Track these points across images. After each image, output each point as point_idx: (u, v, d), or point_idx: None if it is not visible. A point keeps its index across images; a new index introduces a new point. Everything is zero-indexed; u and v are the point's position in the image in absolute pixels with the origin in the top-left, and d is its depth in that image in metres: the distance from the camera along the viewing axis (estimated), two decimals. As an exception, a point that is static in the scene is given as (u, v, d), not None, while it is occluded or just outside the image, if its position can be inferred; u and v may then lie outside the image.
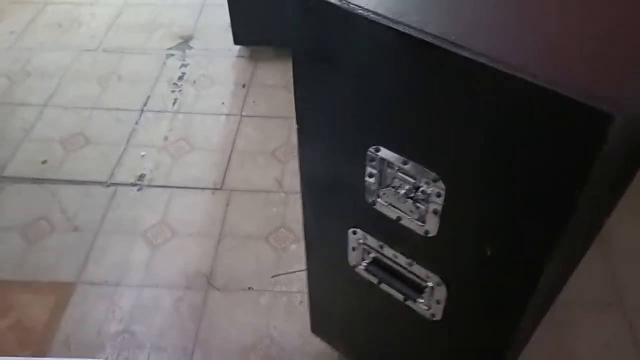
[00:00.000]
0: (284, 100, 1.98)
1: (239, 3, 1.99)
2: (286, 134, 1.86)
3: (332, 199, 0.89)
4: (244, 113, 1.93)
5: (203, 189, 1.68)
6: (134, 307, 1.40)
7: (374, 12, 0.61)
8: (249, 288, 1.44)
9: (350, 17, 0.62)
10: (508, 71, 0.54)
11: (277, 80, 2.06)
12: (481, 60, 0.55)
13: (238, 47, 2.18)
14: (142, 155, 1.78)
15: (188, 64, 2.13)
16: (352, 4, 0.62)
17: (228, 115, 1.93)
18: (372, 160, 0.74)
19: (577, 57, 0.57)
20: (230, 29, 2.21)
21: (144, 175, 1.72)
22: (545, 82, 0.52)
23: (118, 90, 2.02)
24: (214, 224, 1.59)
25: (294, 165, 1.75)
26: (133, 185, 1.69)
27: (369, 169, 0.76)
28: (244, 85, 2.04)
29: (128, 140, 1.83)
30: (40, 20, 2.35)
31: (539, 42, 0.59)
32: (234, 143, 1.83)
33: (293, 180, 1.71)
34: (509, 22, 0.62)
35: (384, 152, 0.72)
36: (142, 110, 1.94)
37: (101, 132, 1.86)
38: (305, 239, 1.02)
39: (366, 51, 0.64)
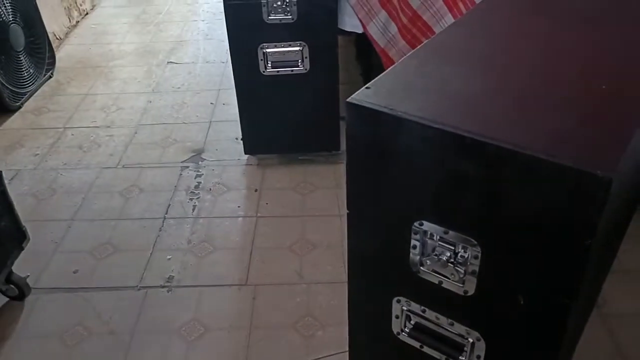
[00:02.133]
0: (293, 201, 2.17)
1: (249, 118, 2.24)
2: (299, 230, 2.03)
3: (377, 273, 1.03)
4: (259, 214, 2.10)
5: (230, 285, 1.80)
6: (175, 402, 1.46)
7: (417, 116, 0.81)
8: (284, 376, 1.52)
9: (399, 121, 0.82)
10: (529, 153, 0.73)
11: (285, 184, 2.26)
12: (508, 147, 0.74)
13: (247, 156, 2.40)
14: (169, 259, 1.91)
15: (202, 173, 2.32)
16: (399, 111, 0.82)
17: (244, 217, 2.09)
18: (416, 233, 0.91)
19: (571, 136, 0.77)
20: (236, 141, 2.46)
21: (172, 277, 1.84)
22: (559, 159, 0.71)
23: (140, 201, 2.18)
24: (243, 317, 1.69)
25: (310, 258, 1.90)
26: (163, 287, 1.80)
27: (413, 242, 0.92)
28: (256, 190, 2.22)
29: (154, 246, 1.96)
30: (62, 143, 2.55)
31: (543, 128, 0.79)
32: (253, 241, 1.97)
33: (312, 271, 1.84)
34: (520, 116, 0.82)
35: (427, 225, 0.89)
36: (165, 218, 2.09)
37: (128, 240, 2.00)
38: (349, 312, 1.14)
39: (412, 146, 0.83)
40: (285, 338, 1.63)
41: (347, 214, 1.00)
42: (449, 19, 1.89)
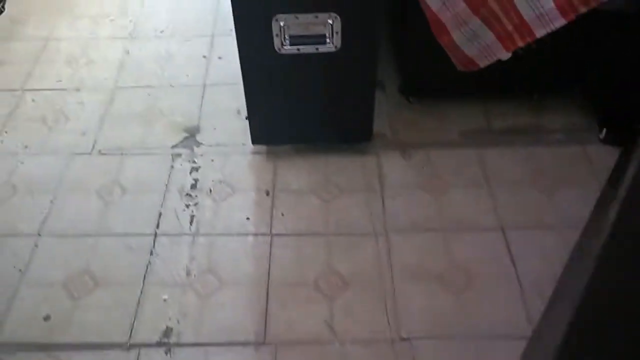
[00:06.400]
0: (314, 211, 1.75)
1: (259, 104, 1.74)
2: (324, 256, 1.64)
3: None
4: (274, 231, 1.69)
5: (243, 344, 1.44)
6: None
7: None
8: None
9: None
10: None
11: (303, 184, 1.82)
12: None
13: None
14: (165, 300, 1.53)
15: (199, 166, 1.87)
16: None
17: (256, 235, 1.69)
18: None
19: None
20: (239, 116, 2.00)
21: (170, 329, 1.47)
22: None
23: (123, 207, 1.75)
24: (262, 392, 1.36)
25: (343, 301, 1.53)
26: (159, 345, 1.44)
27: None
28: (267, 193, 1.79)
29: (144, 277, 1.57)
30: (20, 113, 2.04)
31: None
32: (269, 273, 1.59)
33: (348, 322, 1.48)
34: None
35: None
36: (156, 234, 1.68)
37: (111, 267, 1.60)
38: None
39: None
40: None
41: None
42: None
